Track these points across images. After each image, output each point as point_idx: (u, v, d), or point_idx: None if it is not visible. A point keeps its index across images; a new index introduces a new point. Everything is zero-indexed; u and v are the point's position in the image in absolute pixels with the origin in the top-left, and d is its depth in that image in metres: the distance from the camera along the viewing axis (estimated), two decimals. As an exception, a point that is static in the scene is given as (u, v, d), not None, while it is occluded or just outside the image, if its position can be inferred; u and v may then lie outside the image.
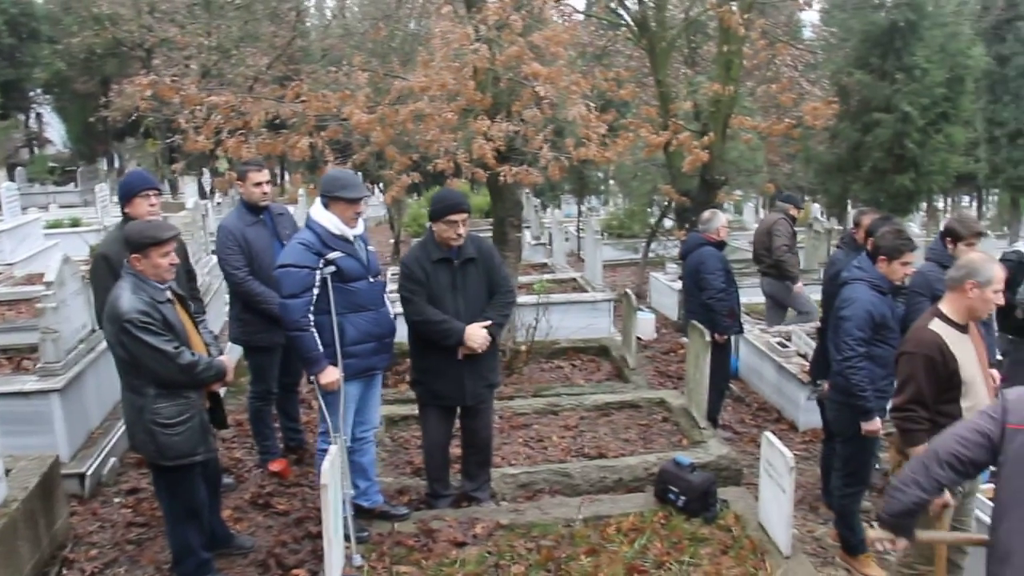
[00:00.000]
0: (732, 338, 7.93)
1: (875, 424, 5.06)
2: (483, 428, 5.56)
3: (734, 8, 10.82)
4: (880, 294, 5.08)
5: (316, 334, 4.81)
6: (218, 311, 10.18)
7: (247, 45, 14.67)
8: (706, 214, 7.73)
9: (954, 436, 3.21)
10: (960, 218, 6.09)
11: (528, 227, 20.55)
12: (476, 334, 5.16)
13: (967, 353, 4.17)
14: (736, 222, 27.29)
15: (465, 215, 5.16)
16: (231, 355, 6.32)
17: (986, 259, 4.25)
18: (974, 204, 39.59)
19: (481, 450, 5.61)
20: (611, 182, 22.44)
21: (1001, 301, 4.29)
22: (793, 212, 9.68)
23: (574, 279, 12.32)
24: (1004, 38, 20.28)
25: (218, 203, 21.69)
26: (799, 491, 6.54)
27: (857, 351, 4.98)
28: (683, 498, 5.29)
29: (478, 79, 7.72)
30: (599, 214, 24.31)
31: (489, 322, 5.24)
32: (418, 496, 5.75)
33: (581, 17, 14.77)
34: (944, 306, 4.24)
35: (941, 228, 6.12)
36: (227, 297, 7.50)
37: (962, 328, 4.19)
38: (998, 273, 4.13)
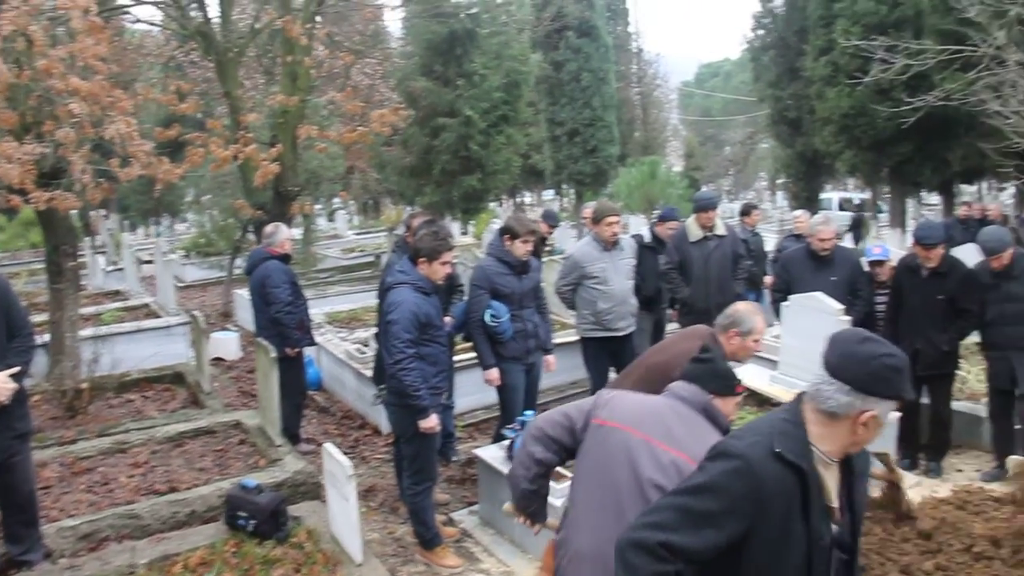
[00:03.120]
0: (308, 349, 7.88)
1: (431, 421, 5.21)
2: (22, 483, 5.00)
3: (296, 19, 10.77)
4: (424, 295, 5.24)
5: None
6: None
7: None
8: (269, 228, 7.62)
9: (546, 416, 3.29)
10: (516, 218, 6.58)
11: (104, 252, 19.24)
12: (1, 386, 4.63)
13: None
14: (329, 230, 27.52)
15: None
16: None
17: (752, 310, 4.51)
18: (557, 198, 43.31)
19: (25, 508, 5.03)
20: (205, 197, 21.64)
21: (760, 349, 4.63)
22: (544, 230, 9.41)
23: (147, 305, 11.64)
24: (557, 46, 22.17)
25: None
26: (381, 494, 6.67)
27: (407, 352, 5.10)
28: (253, 521, 5.12)
29: (3, 95, 6.99)
30: (189, 232, 23.34)
31: (16, 369, 4.73)
32: (-43, 570, 5.08)
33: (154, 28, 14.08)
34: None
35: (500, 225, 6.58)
36: None
37: None
38: (760, 324, 4.43)
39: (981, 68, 10.36)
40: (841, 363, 2.37)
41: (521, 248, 6.29)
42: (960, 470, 6.86)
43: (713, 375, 3.17)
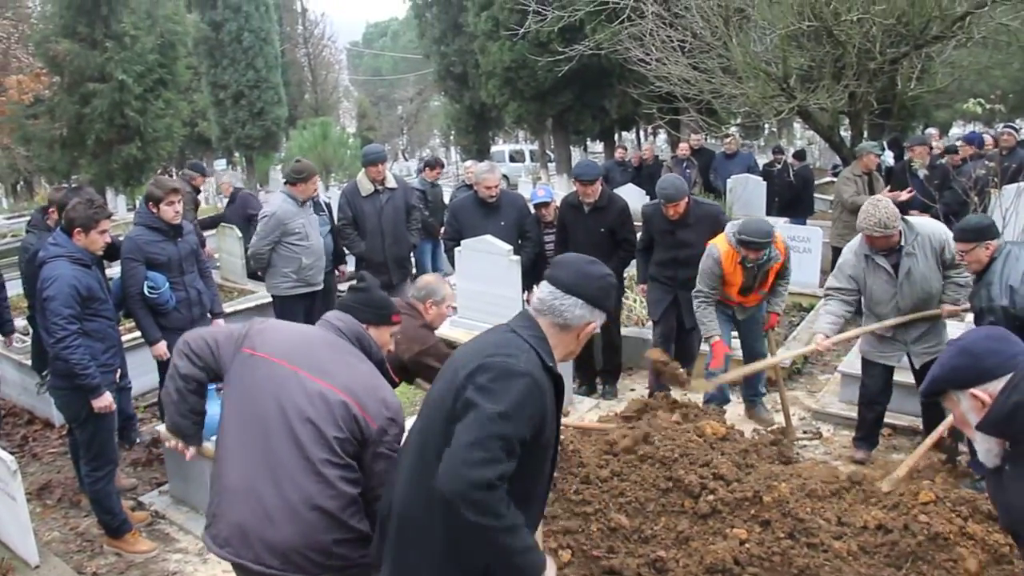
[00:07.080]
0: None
1: (105, 400, 4.85)
2: None
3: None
4: (84, 267, 4.87)
5: None
6: None
7: None
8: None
9: (193, 333, 3.24)
10: (155, 181, 6.28)
11: None
12: None
13: None
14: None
15: None
16: None
17: (439, 279, 4.96)
18: (229, 167, 41.77)
19: None
20: None
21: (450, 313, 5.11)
22: (197, 182, 10.44)
23: None
24: (215, 5, 21.14)
25: None
26: (58, 490, 6.17)
27: (69, 329, 4.71)
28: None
29: None
30: None
31: None
32: None
33: None
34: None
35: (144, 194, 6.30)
36: None
37: None
38: (449, 290, 4.91)
39: (624, 19, 11.14)
40: (577, 281, 2.69)
41: (169, 211, 5.97)
42: (633, 389, 7.43)
43: (367, 304, 3.27)
